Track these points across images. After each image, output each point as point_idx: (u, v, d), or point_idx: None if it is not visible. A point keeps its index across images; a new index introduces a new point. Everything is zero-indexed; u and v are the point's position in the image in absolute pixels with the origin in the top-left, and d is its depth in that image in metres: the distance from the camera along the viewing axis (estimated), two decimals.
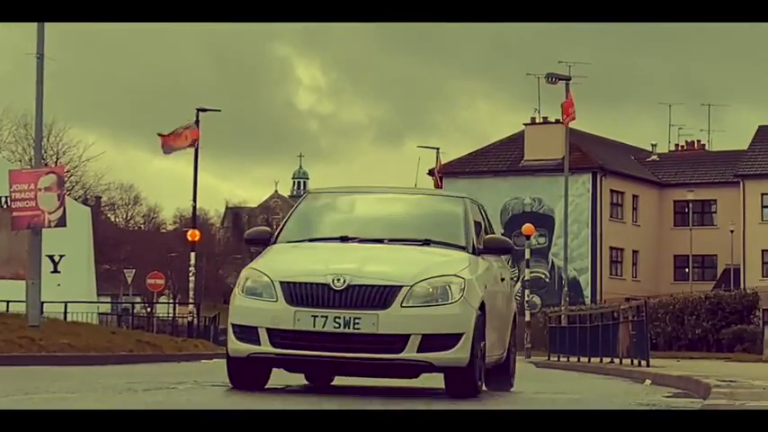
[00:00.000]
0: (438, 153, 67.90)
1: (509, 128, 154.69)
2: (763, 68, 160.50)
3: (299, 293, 9.68)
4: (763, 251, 68.89)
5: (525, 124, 73.62)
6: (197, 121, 43.26)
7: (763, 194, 69.24)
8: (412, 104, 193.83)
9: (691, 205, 71.59)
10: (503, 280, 11.93)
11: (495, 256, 11.47)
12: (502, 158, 72.74)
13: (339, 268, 9.76)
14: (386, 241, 10.75)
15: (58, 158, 69.53)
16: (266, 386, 10.63)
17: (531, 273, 50.02)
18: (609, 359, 27.76)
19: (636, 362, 24.72)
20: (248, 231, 13.80)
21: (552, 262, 68.32)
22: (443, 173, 67.99)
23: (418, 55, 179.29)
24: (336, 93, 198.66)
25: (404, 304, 9.61)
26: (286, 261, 10.40)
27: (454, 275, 9.84)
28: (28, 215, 22.82)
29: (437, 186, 70.14)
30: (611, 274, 71.53)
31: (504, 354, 12.01)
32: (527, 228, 48.10)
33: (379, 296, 9.61)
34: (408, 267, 9.99)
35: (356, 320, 9.54)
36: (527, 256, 48.16)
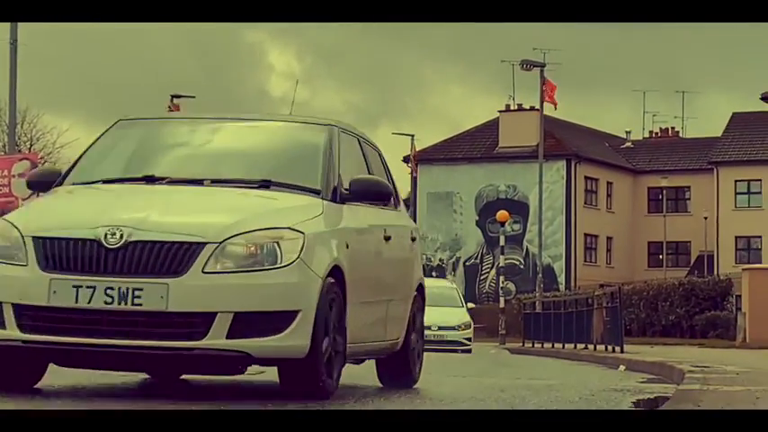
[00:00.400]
0: (413, 140, 68.27)
1: (483, 114, 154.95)
2: (738, 54, 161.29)
3: (56, 254, 6.82)
4: (736, 237, 69.32)
5: (500, 111, 73.78)
6: (170, 109, 43.09)
7: (736, 181, 69.65)
8: (386, 90, 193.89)
9: (665, 192, 71.99)
10: (388, 239, 8.70)
11: (372, 204, 8.32)
12: (477, 145, 72.89)
13: (119, 218, 6.89)
14: (207, 182, 7.76)
15: (32, 145, 69.36)
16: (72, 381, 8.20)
17: (505, 259, 50.28)
18: (583, 345, 27.90)
19: (610, 348, 24.92)
20: (32, 172, 10.74)
21: (527, 248, 68.52)
22: (419, 159, 68.29)
23: (392, 40, 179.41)
24: (310, 79, 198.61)
25: (207, 269, 6.77)
26: (51, 209, 7.57)
27: (289, 228, 7.00)
28: (1, 201, 22.83)
29: (413, 174, 70.51)
30: (585, 261, 71.80)
31: (401, 339, 9.08)
32: (501, 214, 48.32)
33: (171, 257, 6.77)
34: (221, 217, 7.13)
35: (137, 292, 6.70)
36: (502, 242, 48.40)
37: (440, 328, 29.00)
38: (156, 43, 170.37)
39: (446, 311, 29.80)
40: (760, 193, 65.73)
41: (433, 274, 66.61)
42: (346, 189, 7.93)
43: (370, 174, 8.73)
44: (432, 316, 28.94)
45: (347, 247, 7.61)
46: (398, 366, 9.38)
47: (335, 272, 7.31)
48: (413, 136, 68.37)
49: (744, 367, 13.95)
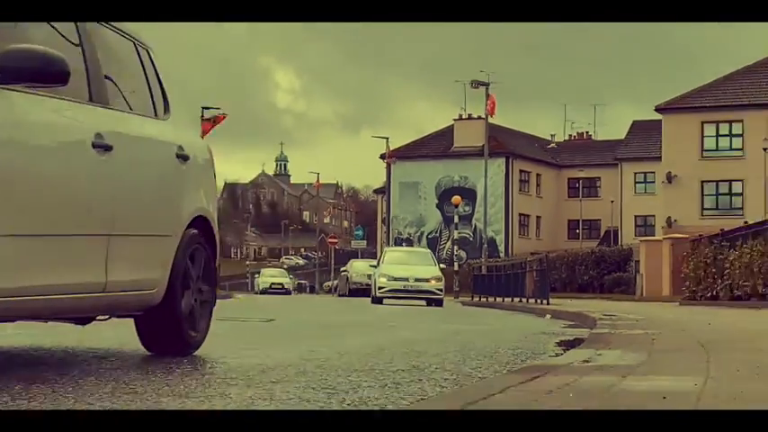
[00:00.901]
0: (387, 141, 67.83)
1: (442, 122, 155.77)
2: (639, 74, 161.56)
3: None
4: (635, 216, 69.19)
5: (454, 119, 73.29)
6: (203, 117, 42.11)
7: (635, 173, 69.49)
8: (368, 103, 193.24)
9: (581, 182, 71.82)
10: (106, 149, 4.75)
11: (31, 86, 4.24)
12: (437, 145, 72.27)
13: None
14: None
15: None
16: None
17: (458, 233, 50.05)
18: (518, 299, 27.75)
19: (539, 301, 24.81)
20: None
21: (475, 225, 68.10)
22: (393, 156, 67.94)
23: (372, 63, 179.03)
24: (307, 93, 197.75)
25: None
26: None
27: None
28: None
29: (387, 171, 70.09)
30: (520, 235, 71.35)
31: (158, 290, 5.27)
32: (456, 199, 48.20)
33: None
34: None
35: None
36: (456, 220, 48.34)
37: (416, 280, 28.03)
38: (183, 65, 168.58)
39: (421, 268, 29.00)
40: (654, 182, 65.39)
41: (403, 244, 66.43)
42: None
43: (91, 68, 4.87)
44: (409, 271, 28.42)
45: None
46: (163, 326, 5.50)
47: None
48: (387, 138, 67.92)
49: (641, 315, 13.90)
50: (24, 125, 4.29)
